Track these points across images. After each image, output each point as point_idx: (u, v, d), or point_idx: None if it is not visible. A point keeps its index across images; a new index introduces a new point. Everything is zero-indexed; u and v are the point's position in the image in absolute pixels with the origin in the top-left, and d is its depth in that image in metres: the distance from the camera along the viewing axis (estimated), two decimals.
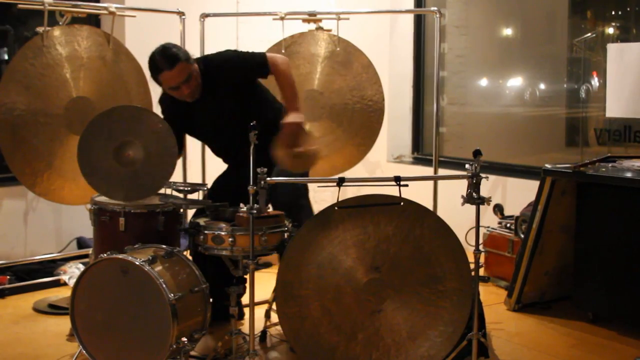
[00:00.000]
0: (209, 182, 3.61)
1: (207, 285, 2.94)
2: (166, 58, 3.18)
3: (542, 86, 5.41)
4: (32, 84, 3.80)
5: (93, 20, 4.79)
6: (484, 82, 5.87)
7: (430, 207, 4.23)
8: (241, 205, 2.91)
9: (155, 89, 4.36)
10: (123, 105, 3.51)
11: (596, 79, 4.87)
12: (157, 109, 4.36)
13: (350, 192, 3.75)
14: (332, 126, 4.53)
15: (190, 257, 3.06)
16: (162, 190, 3.15)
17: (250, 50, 3.42)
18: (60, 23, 3.93)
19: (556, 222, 3.86)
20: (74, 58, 3.94)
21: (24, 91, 3.78)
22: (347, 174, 3.96)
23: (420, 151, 5.92)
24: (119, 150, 3.03)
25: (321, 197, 3.78)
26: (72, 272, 4.34)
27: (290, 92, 3.27)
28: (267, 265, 4.32)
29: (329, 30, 4.58)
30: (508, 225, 4.40)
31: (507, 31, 5.82)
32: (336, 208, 2.74)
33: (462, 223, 3.48)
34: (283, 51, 4.53)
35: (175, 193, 3.15)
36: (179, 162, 3.81)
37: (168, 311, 2.68)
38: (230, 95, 3.33)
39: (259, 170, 2.67)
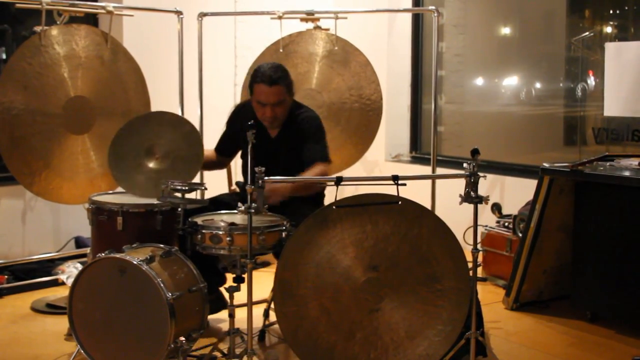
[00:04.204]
0: (207, 182, 3.60)
1: (205, 285, 2.94)
2: (271, 74, 3.27)
3: (540, 85, 5.41)
4: (30, 83, 3.80)
5: (91, 20, 4.79)
6: (482, 81, 5.87)
7: (429, 206, 4.23)
8: (239, 204, 2.90)
9: (154, 89, 4.38)
10: (160, 111, 3.53)
11: (592, 77, 4.87)
12: (155, 108, 4.38)
13: (348, 191, 3.74)
14: (330, 125, 4.52)
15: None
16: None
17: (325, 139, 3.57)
18: (58, 22, 3.93)
19: (554, 221, 3.86)
20: (71, 57, 3.93)
21: (22, 90, 3.78)
22: (345, 173, 3.96)
23: (418, 150, 5.91)
24: (149, 151, 3.19)
25: None
26: (70, 271, 4.34)
27: (306, 176, 3.31)
28: (266, 264, 4.33)
29: (327, 30, 4.58)
30: (506, 224, 4.40)
31: (505, 30, 5.82)
32: (334, 207, 2.74)
33: (460, 222, 3.48)
34: (281, 50, 4.54)
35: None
36: None
37: (166, 310, 2.68)
38: (291, 147, 3.44)
39: (256, 169, 2.67)
